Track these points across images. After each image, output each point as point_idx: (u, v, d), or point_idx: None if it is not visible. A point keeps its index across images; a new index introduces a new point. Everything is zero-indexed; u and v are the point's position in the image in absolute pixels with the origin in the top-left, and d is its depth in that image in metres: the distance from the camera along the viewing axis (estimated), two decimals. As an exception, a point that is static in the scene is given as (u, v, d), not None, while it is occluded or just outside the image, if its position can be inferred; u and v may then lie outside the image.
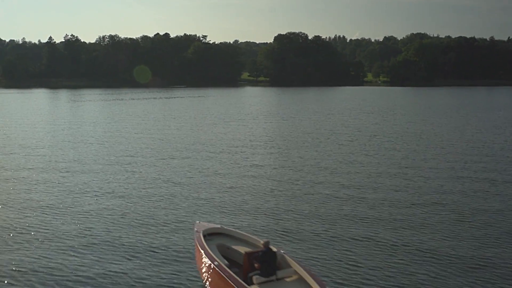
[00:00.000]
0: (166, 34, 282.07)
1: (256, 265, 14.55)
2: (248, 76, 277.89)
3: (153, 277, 16.62)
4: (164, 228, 22.07)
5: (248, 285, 13.72)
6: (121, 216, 24.12)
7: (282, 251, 15.32)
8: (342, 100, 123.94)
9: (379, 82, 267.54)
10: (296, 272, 14.42)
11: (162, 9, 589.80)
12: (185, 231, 21.37)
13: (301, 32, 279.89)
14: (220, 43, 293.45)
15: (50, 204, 26.20)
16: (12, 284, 16.21)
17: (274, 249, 14.95)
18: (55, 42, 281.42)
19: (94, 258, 18.48)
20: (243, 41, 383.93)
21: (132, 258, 18.31)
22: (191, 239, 19.69)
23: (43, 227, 22.27)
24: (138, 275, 16.75)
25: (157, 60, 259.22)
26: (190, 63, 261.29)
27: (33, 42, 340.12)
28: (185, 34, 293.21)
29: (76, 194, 28.47)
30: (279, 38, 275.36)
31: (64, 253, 19.12)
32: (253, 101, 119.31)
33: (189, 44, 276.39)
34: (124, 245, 19.88)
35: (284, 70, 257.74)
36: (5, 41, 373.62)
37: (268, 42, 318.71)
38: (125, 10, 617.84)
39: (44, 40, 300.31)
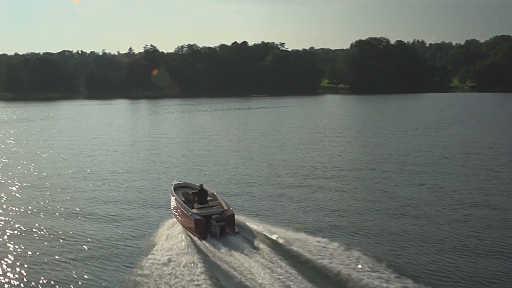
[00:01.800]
0: (244, 43, 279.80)
1: (196, 198, 25.51)
2: (328, 83, 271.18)
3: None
4: None
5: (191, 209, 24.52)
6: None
7: (215, 192, 26.79)
8: (437, 108, 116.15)
9: (466, 87, 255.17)
10: (218, 202, 25.48)
11: (239, 18, 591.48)
12: None
13: (382, 37, 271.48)
14: (298, 50, 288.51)
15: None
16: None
17: (206, 189, 26.18)
18: (134, 52, 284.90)
19: None
20: (318, 47, 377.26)
21: None
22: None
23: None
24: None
25: (235, 68, 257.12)
26: (269, 71, 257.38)
27: (112, 53, 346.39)
28: (262, 42, 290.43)
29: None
30: (359, 43, 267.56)
31: None
32: (340, 112, 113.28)
33: (267, 52, 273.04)
34: None
35: (365, 76, 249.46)
36: (86, 52, 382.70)
37: (345, 48, 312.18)
38: (203, 20, 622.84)
39: (123, 51, 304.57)
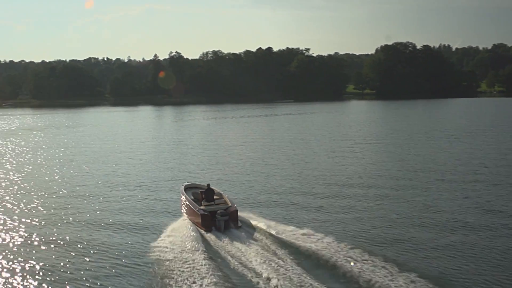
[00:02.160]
0: (269, 48, 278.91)
1: (203, 196, 28.26)
2: (354, 89, 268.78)
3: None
4: None
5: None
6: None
7: (221, 191, 29.73)
8: (467, 113, 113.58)
9: (494, 92, 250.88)
10: (223, 200, 28.17)
11: (263, 24, 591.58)
12: None
13: (408, 42, 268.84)
14: (323, 55, 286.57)
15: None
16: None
17: (213, 188, 29.01)
18: (159, 59, 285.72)
19: None
20: (343, 53, 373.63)
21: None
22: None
23: None
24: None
25: (260, 74, 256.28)
26: (294, 77, 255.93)
27: (138, 60, 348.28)
28: (287, 47, 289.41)
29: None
30: (385, 48, 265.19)
31: None
32: (368, 118, 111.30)
33: (292, 57, 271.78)
34: None
35: (391, 81, 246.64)
36: (112, 59, 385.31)
37: (369, 53, 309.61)
38: (227, 26, 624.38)
39: (148, 58, 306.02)
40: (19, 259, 24.16)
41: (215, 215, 26.21)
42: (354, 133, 76.43)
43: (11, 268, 23.16)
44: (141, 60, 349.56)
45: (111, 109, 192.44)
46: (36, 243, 26.68)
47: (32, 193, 39.05)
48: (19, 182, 44.05)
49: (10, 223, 30.29)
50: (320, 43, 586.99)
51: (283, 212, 30.72)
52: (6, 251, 25.29)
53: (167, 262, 22.23)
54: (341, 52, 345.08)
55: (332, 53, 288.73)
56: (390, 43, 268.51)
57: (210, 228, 25.99)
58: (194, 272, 20.71)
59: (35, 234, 28.00)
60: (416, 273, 19.77)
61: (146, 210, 32.66)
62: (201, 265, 21.30)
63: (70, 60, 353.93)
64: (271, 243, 23.70)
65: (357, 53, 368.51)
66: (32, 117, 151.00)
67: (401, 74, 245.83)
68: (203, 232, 25.92)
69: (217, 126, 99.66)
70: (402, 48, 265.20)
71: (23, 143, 76.38)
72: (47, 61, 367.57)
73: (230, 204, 27.48)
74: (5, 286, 21.34)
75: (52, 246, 26.04)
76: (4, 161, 57.21)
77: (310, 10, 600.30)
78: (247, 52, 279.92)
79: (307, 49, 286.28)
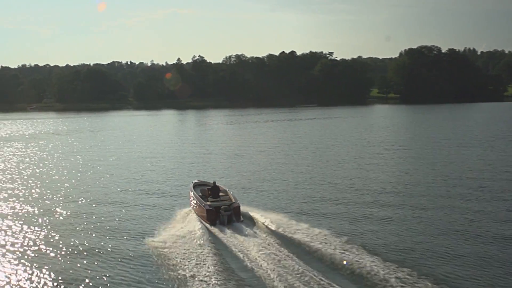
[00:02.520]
0: (292, 52, 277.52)
1: (209, 193, 30.86)
2: (378, 93, 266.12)
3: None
4: None
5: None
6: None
7: (227, 189, 32.37)
8: (496, 118, 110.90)
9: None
10: (228, 196, 30.77)
11: (286, 28, 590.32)
12: None
13: (433, 46, 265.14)
14: (346, 59, 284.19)
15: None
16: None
17: (219, 186, 32.06)
18: (182, 63, 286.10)
19: None
20: (366, 56, 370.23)
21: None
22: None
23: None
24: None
25: (283, 78, 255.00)
26: (317, 81, 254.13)
27: (160, 64, 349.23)
28: (310, 51, 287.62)
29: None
30: (410, 52, 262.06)
31: None
32: (395, 123, 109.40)
33: (315, 61, 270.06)
34: None
35: (415, 86, 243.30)
36: (135, 63, 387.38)
37: (393, 57, 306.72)
38: (250, 30, 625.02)
39: (171, 61, 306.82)
40: (39, 263, 24.64)
41: (219, 210, 28.69)
42: (381, 139, 74.72)
43: (31, 273, 23.43)
44: (164, 64, 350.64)
45: (134, 113, 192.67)
46: (52, 241, 28.13)
47: (51, 197, 39.49)
48: (39, 186, 43.75)
49: (30, 228, 30.61)
50: (342, 47, 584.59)
51: (296, 215, 30.92)
52: (25, 256, 25.75)
53: (174, 251, 24.32)
54: (364, 56, 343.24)
55: (355, 57, 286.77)
56: (412, 46, 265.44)
57: (214, 222, 28.47)
58: (197, 261, 22.79)
59: (53, 235, 29.25)
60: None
61: (160, 206, 35.43)
62: (204, 254, 23.49)
63: (94, 64, 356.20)
64: (270, 237, 25.82)
65: (380, 57, 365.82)
66: (55, 121, 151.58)
67: (426, 78, 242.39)
68: (208, 225, 28.33)
69: (240, 130, 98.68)
70: (427, 52, 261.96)
71: (44, 148, 76.21)
72: (72, 65, 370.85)
73: (233, 201, 30.08)
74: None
75: (72, 233, 29.39)
76: (24, 166, 56.69)
77: (332, 14, 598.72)
78: (270, 56, 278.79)
79: (331, 53, 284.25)
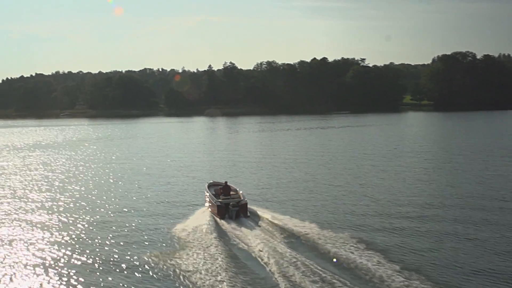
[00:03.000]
0: (324, 59, 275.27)
1: (221, 191, 34.16)
2: (411, 99, 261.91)
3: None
4: None
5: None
6: None
7: (237, 188, 35.49)
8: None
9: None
10: (237, 195, 34.00)
11: (317, 34, 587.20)
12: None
13: (468, 51, 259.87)
14: (379, 65, 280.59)
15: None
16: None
17: (230, 185, 35.29)
18: (213, 69, 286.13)
19: None
20: (398, 63, 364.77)
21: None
22: None
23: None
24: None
25: (315, 85, 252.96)
26: (349, 88, 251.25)
27: (192, 70, 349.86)
28: (342, 58, 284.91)
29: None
30: (444, 58, 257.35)
31: None
32: (431, 132, 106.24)
33: (347, 68, 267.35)
34: None
35: (450, 92, 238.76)
36: (166, 70, 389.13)
37: (426, 63, 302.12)
38: (282, 37, 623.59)
39: (202, 68, 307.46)
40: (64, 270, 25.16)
41: (228, 206, 32.19)
42: (418, 147, 72.18)
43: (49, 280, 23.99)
44: (195, 70, 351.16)
45: (165, 120, 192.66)
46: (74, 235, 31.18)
47: (85, 198, 40.61)
48: (67, 193, 43.20)
49: (57, 236, 31.01)
50: (374, 54, 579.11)
51: (312, 221, 31.16)
52: (49, 262, 26.30)
53: (187, 241, 27.78)
54: (396, 62, 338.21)
55: (387, 63, 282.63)
56: (445, 52, 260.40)
57: (223, 216, 31.96)
58: (206, 251, 25.74)
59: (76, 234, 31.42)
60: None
61: (180, 204, 39.04)
62: (212, 245, 26.54)
63: (126, 71, 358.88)
64: (274, 230, 28.75)
65: (412, 63, 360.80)
66: (86, 128, 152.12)
67: (460, 84, 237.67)
68: (218, 219, 31.83)
69: (272, 138, 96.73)
70: (461, 58, 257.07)
71: (74, 155, 75.46)
72: (104, 72, 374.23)
73: (242, 198, 33.52)
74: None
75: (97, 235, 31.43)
76: (53, 174, 55.80)
77: (363, 20, 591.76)
78: (302, 63, 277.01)
79: (363, 59, 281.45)
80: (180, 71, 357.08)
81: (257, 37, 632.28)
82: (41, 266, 25.25)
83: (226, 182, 35.69)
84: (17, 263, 25.84)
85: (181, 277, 22.85)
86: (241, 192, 34.79)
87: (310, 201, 38.17)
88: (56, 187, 47.36)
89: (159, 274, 23.66)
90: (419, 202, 36.56)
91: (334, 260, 23.82)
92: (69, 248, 27.91)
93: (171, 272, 23.58)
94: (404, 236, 28.53)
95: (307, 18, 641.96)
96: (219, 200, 33.09)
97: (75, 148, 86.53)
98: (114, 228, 32.11)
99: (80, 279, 23.53)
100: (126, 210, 37.26)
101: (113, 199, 41.29)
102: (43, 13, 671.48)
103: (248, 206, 33.01)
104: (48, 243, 29.05)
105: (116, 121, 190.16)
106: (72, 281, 23.33)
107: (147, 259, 25.55)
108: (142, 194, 43.13)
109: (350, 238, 26.76)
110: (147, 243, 28.61)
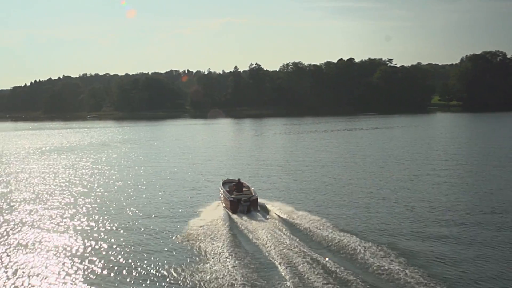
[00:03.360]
0: (350, 59, 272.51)
1: (234, 188, 37.11)
2: (439, 100, 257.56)
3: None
4: None
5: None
6: None
7: (249, 185, 38.29)
8: None
9: None
10: (249, 191, 36.62)
11: (343, 35, 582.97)
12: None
13: (498, 51, 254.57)
14: (406, 66, 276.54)
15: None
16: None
17: (243, 182, 38.21)
18: (239, 71, 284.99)
19: None
20: (425, 63, 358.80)
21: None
22: None
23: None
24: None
25: (341, 86, 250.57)
26: (376, 89, 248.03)
27: (217, 72, 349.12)
28: (369, 58, 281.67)
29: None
30: (473, 58, 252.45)
31: None
32: (463, 133, 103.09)
33: (374, 68, 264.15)
34: None
35: (479, 93, 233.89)
36: (192, 72, 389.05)
37: (454, 63, 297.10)
38: (307, 38, 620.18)
39: (228, 70, 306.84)
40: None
41: (240, 201, 34.71)
42: (451, 150, 69.84)
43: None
44: (221, 72, 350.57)
45: (191, 122, 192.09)
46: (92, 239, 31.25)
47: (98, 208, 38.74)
48: (87, 195, 42.99)
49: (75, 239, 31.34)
50: (401, 54, 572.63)
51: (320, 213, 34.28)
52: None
53: (202, 233, 30.40)
54: (424, 63, 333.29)
55: (414, 63, 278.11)
56: (473, 52, 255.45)
57: (235, 210, 34.58)
58: (218, 241, 28.28)
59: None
60: None
61: (197, 200, 41.73)
62: (225, 235, 29.19)
63: (152, 73, 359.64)
64: (281, 224, 31.10)
65: (440, 63, 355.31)
66: (112, 130, 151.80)
67: (490, 84, 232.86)
68: (230, 213, 34.48)
69: (299, 142, 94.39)
70: (490, 58, 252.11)
71: (98, 158, 74.76)
72: (130, 74, 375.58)
73: (253, 194, 35.99)
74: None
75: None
76: (76, 177, 54.94)
77: (390, 20, 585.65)
78: (328, 64, 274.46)
79: (390, 60, 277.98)
80: (206, 72, 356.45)
81: (283, 38, 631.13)
82: (64, 269, 25.89)
83: (239, 179, 38.91)
84: (37, 265, 26.34)
85: (193, 264, 25.36)
86: (252, 188, 37.65)
87: (326, 200, 39.76)
88: (77, 190, 47.47)
89: (175, 260, 26.51)
90: (454, 208, 34.77)
91: (326, 259, 24.53)
92: (91, 247, 29.32)
93: (185, 260, 26.36)
94: (440, 244, 27.36)
95: (331, 18, 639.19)
96: (232, 196, 35.79)
97: (99, 151, 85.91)
98: (138, 217, 36.35)
99: (102, 270, 25.67)
100: (148, 204, 40.81)
101: (136, 196, 44.36)
102: (72, 17, 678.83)
103: (259, 201, 35.65)
104: (67, 245, 29.70)
105: (141, 123, 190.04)
106: (93, 276, 25.08)
107: (167, 246, 28.98)
108: (165, 192, 45.82)
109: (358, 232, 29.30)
110: (167, 232, 32.01)
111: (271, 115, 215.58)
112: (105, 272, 25.25)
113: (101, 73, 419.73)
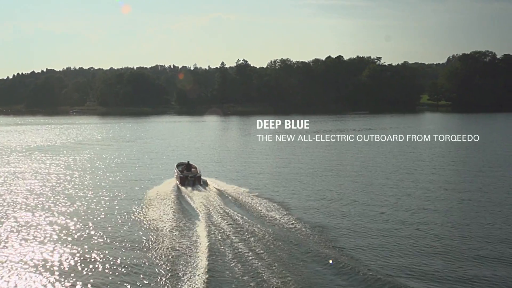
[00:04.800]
0: (339, 57, 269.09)
1: (184, 168, 47.49)
2: (428, 100, 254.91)
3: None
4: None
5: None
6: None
7: (197, 166, 48.67)
8: None
9: None
10: (196, 170, 46.93)
11: (330, 33, 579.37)
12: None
13: (487, 51, 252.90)
14: (395, 64, 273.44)
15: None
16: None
17: (192, 164, 48.80)
18: (226, 67, 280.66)
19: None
20: (412, 62, 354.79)
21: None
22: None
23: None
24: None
25: (330, 84, 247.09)
26: (365, 87, 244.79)
27: (203, 68, 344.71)
28: (358, 56, 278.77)
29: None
30: (463, 58, 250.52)
31: None
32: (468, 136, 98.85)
33: (362, 66, 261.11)
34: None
35: (469, 93, 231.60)
36: (178, 67, 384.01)
37: (440, 62, 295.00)
38: (295, 35, 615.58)
39: (214, 66, 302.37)
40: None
41: (188, 177, 44.13)
42: (459, 158, 66.03)
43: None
44: (207, 68, 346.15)
45: (176, 119, 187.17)
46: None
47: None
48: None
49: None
50: (388, 53, 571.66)
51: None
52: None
53: (158, 197, 40.35)
54: (410, 61, 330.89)
55: (400, 62, 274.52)
56: (460, 52, 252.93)
57: (183, 184, 43.64)
58: (169, 202, 38.04)
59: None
60: None
61: (160, 178, 50.59)
62: (173, 200, 38.77)
63: (137, 68, 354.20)
64: (214, 193, 40.28)
65: (426, 62, 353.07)
66: (91, 128, 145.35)
67: (480, 85, 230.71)
68: (180, 186, 43.69)
69: (288, 144, 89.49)
70: (480, 57, 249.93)
71: (71, 160, 69.91)
72: (115, 68, 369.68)
73: (198, 173, 45.66)
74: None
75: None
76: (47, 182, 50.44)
77: (378, 19, 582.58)
78: (316, 61, 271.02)
79: (379, 58, 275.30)
80: (192, 68, 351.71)
81: (271, 35, 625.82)
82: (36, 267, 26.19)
83: (188, 162, 49.39)
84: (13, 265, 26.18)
85: (146, 222, 33.56)
86: (199, 169, 47.59)
87: (258, 180, 49.14)
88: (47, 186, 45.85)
89: (129, 221, 34.12)
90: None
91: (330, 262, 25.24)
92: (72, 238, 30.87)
93: (139, 219, 34.40)
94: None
95: (321, 16, 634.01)
96: (182, 173, 45.50)
97: (74, 152, 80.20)
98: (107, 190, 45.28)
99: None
100: (121, 181, 50.85)
101: (109, 180, 51.74)
102: (57, 10, 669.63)
103: (202, 177, 45.06)
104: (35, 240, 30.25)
105: (125, 119, 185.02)
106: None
107: (134, 204, 38.64)
108: (138, 173, 56.13)
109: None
110: (137, 194, 43.14)
111: (258, 112, 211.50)
112: (79, 231, 31.75)
113: (85, 67, 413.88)
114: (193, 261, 25.30)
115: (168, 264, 25.25)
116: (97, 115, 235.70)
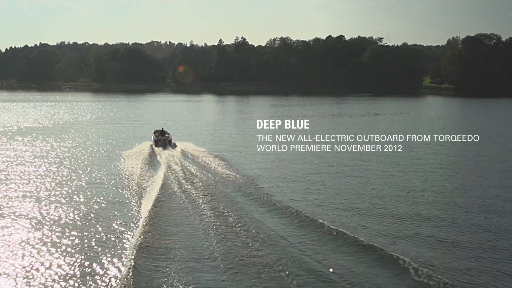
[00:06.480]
0: (340, 36, 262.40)
1: (159, 133, 58.15)
2: (430, 82, 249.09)
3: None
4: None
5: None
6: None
7: (169, 132, 59.25)
8: None
9: None
10: (168, 135, 57.12)
11: (332, 11, 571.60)
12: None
13: (492, 34, 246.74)
14: (398, 45, 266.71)
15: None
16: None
17: (165, 130, 59.32)
18: (224, 44, 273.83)
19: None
20: (411, 43, 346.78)
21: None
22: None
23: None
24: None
25: (330, 64, 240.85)
26: (366, 68, 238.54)
27: (200, 45, 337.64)
28: (359, 36, 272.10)
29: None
30: (467, 40, 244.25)
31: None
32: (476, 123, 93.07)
33: (364, 47, 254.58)
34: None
35: (472, 76, 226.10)
36: (174, 44, 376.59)
37: (440, 44, 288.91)
38: (296, 12, 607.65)
39: (211, 43, 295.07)
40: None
41: (161, 140, 54.49)
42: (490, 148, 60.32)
43: None
44: (204, 45, 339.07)
45: (172, 98, 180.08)
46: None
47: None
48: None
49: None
50: (388, 34, 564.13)
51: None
52: None
53: (136, 154, 49.71)
54: (409, 43, 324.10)
55: (399, 44, 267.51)
56: (459, 35, 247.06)
57: (157, 145, 53.68)
58: (142, 158, 47.41)
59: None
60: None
61: (139, 141, 59.29)
62: (147, 156, 48.29)
63: (132, 43, 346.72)
64: (180, 154, 49.21)
65: (425, 44, 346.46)
66: (79, 106, 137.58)
67: (484, 68, 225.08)
68: (154, 147, 53.45)
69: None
70: (485, 40, 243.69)
71: (53, 144, 64.00)
72: (110, 43, 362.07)
73: (170, 137, 55.88)
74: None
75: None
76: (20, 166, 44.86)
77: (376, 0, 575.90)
78: (317, 40, 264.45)
79: (380, 38, 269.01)
80: (188, 45, 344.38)
81: (270, 13, 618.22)
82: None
83: (162, 128, 59.40)
84: None
85: (125, 175, 40.45)
86: (171, 134, 57.28)
87: (223, 145, 58.60)
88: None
89: (111, 168, 43.40)
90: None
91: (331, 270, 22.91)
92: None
93: (117, 172, 42.13)
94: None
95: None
96: (157, 137, 55.26)
97: (61, 134, 74.06)
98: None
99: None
100: (106, 146, 59.89)
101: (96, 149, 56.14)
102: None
103: (173, 141, 54.97)
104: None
105: (119, 97, 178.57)
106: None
107: (114, 161, 47.09)
108: (117, 136, 67.63)
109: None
110: (118, 152, 52.02)
111: (257, 92, 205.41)
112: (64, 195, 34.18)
113: (79, 42, 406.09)
114: (148, 194, 33.52)
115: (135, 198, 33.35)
116: (90, 92, 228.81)
